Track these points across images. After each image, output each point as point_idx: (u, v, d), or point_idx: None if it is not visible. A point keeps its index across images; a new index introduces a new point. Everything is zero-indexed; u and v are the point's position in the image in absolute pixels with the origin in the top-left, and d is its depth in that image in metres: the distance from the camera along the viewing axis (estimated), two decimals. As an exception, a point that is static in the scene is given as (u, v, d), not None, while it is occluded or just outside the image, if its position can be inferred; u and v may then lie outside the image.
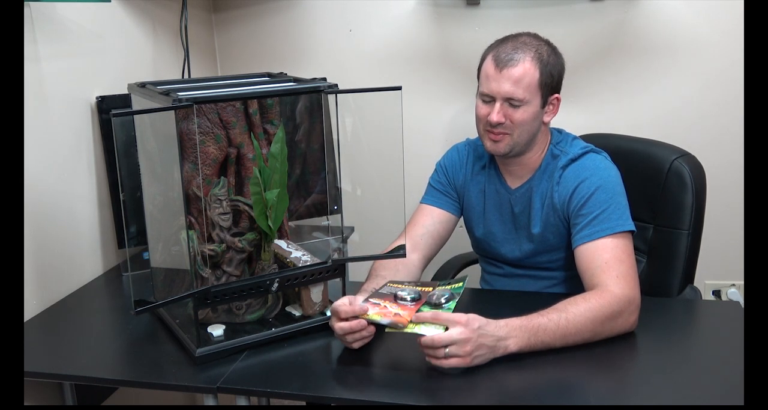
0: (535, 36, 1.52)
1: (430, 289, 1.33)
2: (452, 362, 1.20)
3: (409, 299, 1.29)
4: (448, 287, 1.34)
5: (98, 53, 1.80)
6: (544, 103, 1.50)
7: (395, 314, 1.26)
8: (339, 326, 1.27)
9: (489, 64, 1.49)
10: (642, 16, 2.08)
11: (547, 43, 1.52)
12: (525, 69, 1.45)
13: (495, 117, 1.47)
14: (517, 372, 1.24)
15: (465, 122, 2.19)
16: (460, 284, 1.35)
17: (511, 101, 1.46)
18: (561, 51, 1.54)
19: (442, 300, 1.28)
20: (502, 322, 1.24)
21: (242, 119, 1.38)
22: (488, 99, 1.49)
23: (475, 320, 1.21)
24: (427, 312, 1.25)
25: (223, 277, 1.38)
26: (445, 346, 1.20)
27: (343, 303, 1.28)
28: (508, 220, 1.62)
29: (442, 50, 2.22)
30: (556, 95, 1.53)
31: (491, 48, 1.52)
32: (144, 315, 1.45)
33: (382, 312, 1.26)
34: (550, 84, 1.49)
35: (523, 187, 1.59)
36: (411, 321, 1.23)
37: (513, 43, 1.49)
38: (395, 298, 1.30)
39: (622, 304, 1.33)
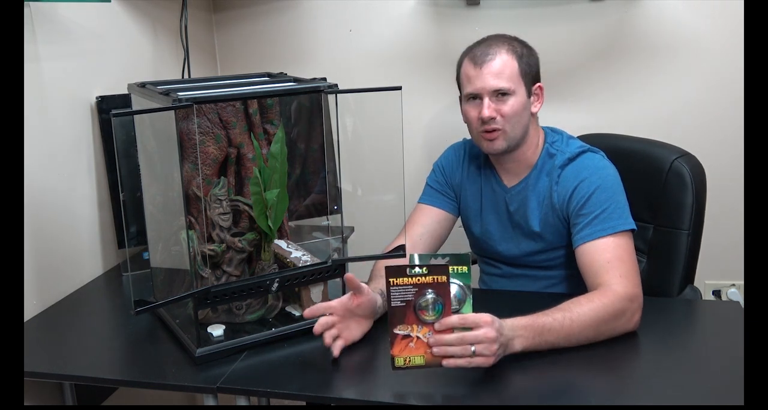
0: (503, 35, 1.55)
1: (444, 278, 1.19)
2: (477, 361, 1.18)
3: (434, 316, 1.19)
4: (450, 268, 1.21)
5: (98, 53, 1.80)
6: (529, 93, 1.52)
7: (427, 351, 1.20)
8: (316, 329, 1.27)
9: (467, 66, 1.52)
10: (642, 16, 2.08)
11: (516, 39, 1.55)
12: (503, 61, 1.49)
13: (486, 112, 1.48)
14: (519, 372, 1.24)
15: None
16: (465, 267, 1.21)
17: (498, 93, 1.48)
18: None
19: (456, 306, 1.20)
20: (509, 322, 1.24)
21: (242, 119, 1.38)
22: (475, 99, 1.51)
23: (496, 319, 1.20)
24: (452, 318, 1.18)
25: (223, 277, 1.38)
26: (472, 344, 1.17)
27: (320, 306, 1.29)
28: (504, 218, 1.62)
29: (442, 50, 2.21)
30: (539, 84, 1.55)
31: (464, 54, 1.55)
32: (144, 314, 1.45)
33: (420, 350, 1.21)
34: (530, 73, 1.52)
35: (519, 185, 1.59)
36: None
37: (485, 43, 1.53)
38: (415, 310, 1.20)
39: (625, 303, 1.33)
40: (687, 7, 2.06)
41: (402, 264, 1.20)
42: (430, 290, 1.19)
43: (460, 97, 1.57)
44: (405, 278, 1.19)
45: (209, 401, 1.29)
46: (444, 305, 1.19)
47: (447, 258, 1.21)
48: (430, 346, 1.20)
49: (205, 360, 1.30)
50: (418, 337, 1.20)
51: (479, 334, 1.17)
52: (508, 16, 2.14)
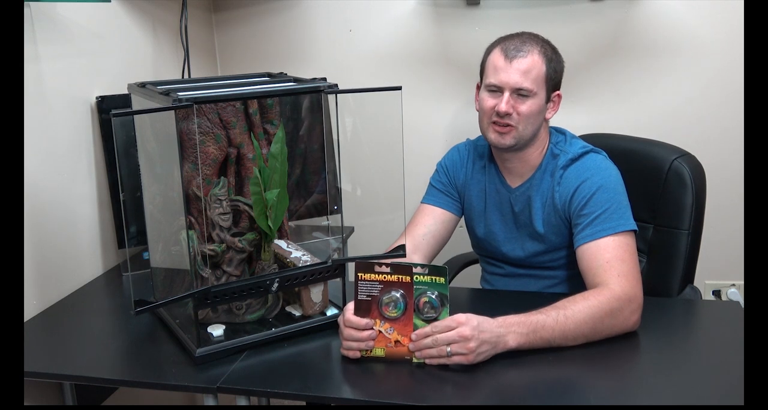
0: (537, 35, 1.55)
1: (408, 279, 1.26)
2: (455, 359, 1.22)
3: (396, 313, 1.26)
4: (427, 278, 1.26)
5: (98, 53, 1.80)
6: (548, 98, 1.52)
7: (396, 342, 1.27)
8: (349, 333, 1.28)
9: (497, 56, 1.51)
10: (642, 16, 2.08)
11: (548, 42, 1.55)
12: (534, 61, 1.48)
13: (504, 107, 1.48)
14: (518, 372, 1.24)
15: (465, 122, 2.19)
16: (443, 279, 1.26)
17: (519, 92, 1.48)
18: (561, 51, 1.56)
19: (432, 313, 1.25)
20: (499, 319, 1.25)
21: (242, 119, 1.38)
22: (496, 91, 1.50)
23: (473, 318, 1.23)
24: (425, 328, 1.24)
25: (223, 277, 1.38)
26: (448, 344, 1.21)
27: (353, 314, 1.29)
28: (509, 219, 1.63)
29: (442, 50, 2.22)
30: (558, 92, 1.56)
31: (497, 42, 1.54)
32: (144, 314, 1.45)
33: (381, 343, 1.27)
34: (554, 79, 1.53)
35: (523, 186, 1.59)
36: (414, 355, 1.26)
37: (519, 38, 1.52)
38: (379, 308, 1.26)
39: (622, 302, 1.33)
40: (687, 7, 2.06)
41: (372, 261, 1.27)
42: (394, 289, 1.25)
43: (478, 84, 1.57)
44: (372, 275, 1.26)
45: (209, 401, 1.29)
46: (406, 305, 1.25)
47: (426, 269, 1.26)
48: (392, 341, 1.26)
49: (205, 360, 1.30)
50: (380, 331, 1.27)
51: (451, 334, 1.21)
52: (508, 16, 2.14)
